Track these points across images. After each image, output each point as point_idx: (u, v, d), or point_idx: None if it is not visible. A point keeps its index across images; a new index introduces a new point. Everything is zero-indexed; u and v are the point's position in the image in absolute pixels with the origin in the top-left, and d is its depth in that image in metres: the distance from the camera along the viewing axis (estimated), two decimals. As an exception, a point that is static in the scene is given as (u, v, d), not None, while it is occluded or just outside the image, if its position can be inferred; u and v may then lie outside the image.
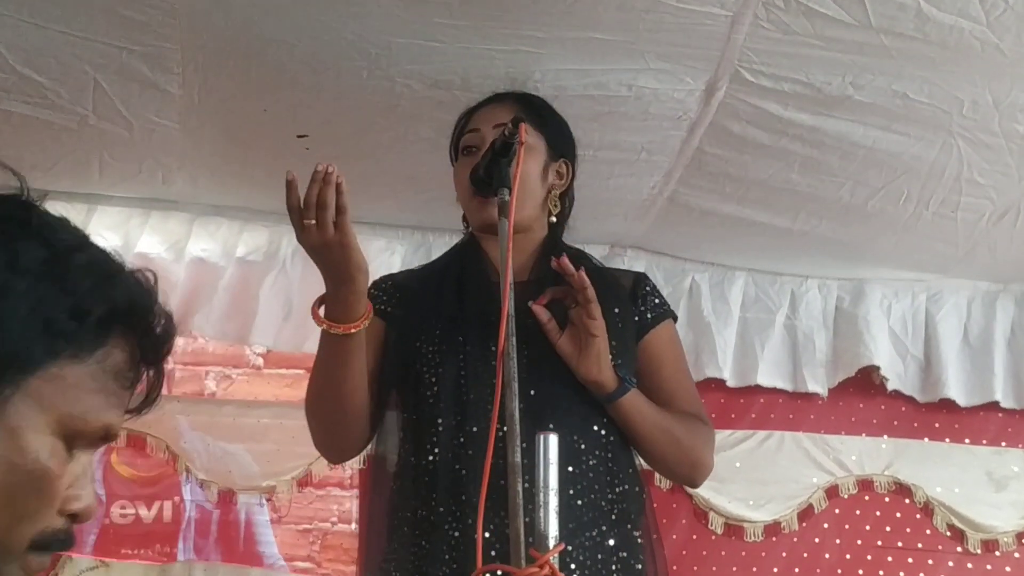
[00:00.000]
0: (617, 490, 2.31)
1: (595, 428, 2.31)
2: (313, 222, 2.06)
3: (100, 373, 1.11)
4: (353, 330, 2.18)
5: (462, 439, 2.25)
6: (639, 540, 2.32)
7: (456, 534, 2.20)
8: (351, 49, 2.51)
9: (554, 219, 2.46)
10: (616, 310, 2.39)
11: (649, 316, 2.45)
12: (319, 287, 3.34)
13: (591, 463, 2.28)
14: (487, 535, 2.05)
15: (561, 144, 2.49)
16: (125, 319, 1.13)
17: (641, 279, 2.52)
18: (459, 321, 2.33)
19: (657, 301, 2.49)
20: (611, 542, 2.26)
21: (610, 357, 2.29)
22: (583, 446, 2.28)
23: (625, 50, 2.49)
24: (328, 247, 2.08)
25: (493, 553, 2.08)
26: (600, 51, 2.49)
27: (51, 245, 1.10)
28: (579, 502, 2.23)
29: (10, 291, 1.06)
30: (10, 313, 1.06)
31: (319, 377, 2.29)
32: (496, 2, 2.34)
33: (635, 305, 2.45)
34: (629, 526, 2.31)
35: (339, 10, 2.40)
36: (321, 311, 2.21)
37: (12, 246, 1.08)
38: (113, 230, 3.33)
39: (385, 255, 3.41)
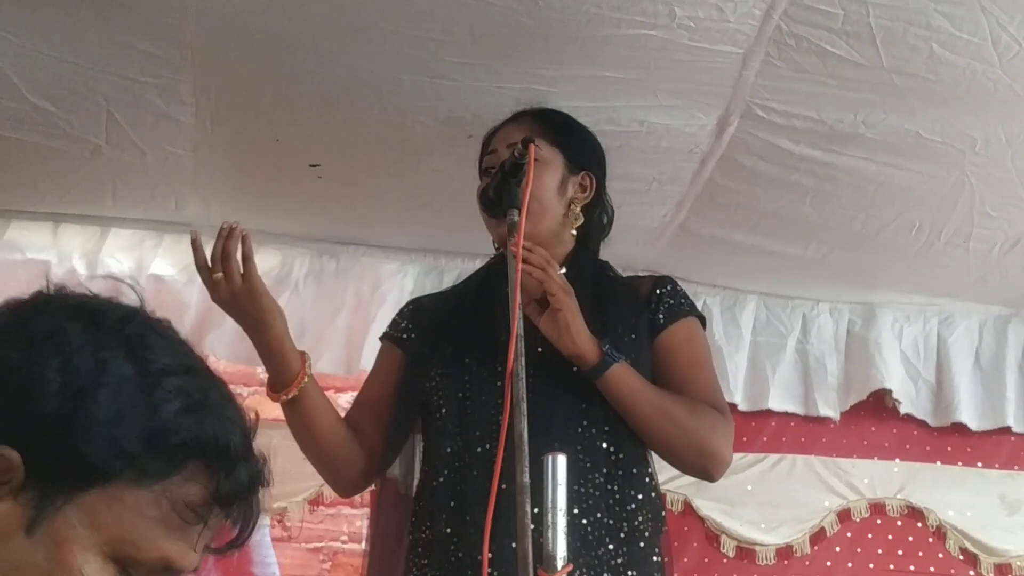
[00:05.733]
0: (629, 507, 2.28)
1: (603, 446, 2.28)
2: (221, 275, 2.14)
3: (164, 502, 1.05)
4: (286, 397, 2.26)
5: (466, 460, 2.25)
6: (654, 559, 2.29)
7: (460, 554, 2.20)
8: (362, 86, 2.53)
9: (574, 232, 2.41)
10: (631, 319, 2.37)
11: (661, 318, 2.39)
12: (332, 308, 3.40)
13: (598, 481, 2.25)
14: (489, 555, 2.04)
15: (582, 157, 2.43)
16: (205, 453, 1.07)
17: (660, 282, 2.45)
18: (467, 343, 2.33)
19: (672, 302, 2.42)
20: (618, 560, 2.23)
21: (587, 332, 2.24)
22: (589, 464, 2.25)
23: (637, 87, 2.50)
24: (236, 297, 2.16)
25: (496, 574, 2.08)
26: (612, 88, 2.50)
27: (141, 364, 1.07)
28: (584, 520, 2.21)
29: (87, 401, 1.03)
30: (82, 424, 1.02)
31: (295, 436, 2.36)
32: (507, 41, 2.34)
33: (649, 309, 2.40)
34: (642, 544, 2.27)
35: (349, 48, 2.41)
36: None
37: (99, 357, 1.05)
38: (126, 252, 3.34)
39: (398, 277, 3.41)
